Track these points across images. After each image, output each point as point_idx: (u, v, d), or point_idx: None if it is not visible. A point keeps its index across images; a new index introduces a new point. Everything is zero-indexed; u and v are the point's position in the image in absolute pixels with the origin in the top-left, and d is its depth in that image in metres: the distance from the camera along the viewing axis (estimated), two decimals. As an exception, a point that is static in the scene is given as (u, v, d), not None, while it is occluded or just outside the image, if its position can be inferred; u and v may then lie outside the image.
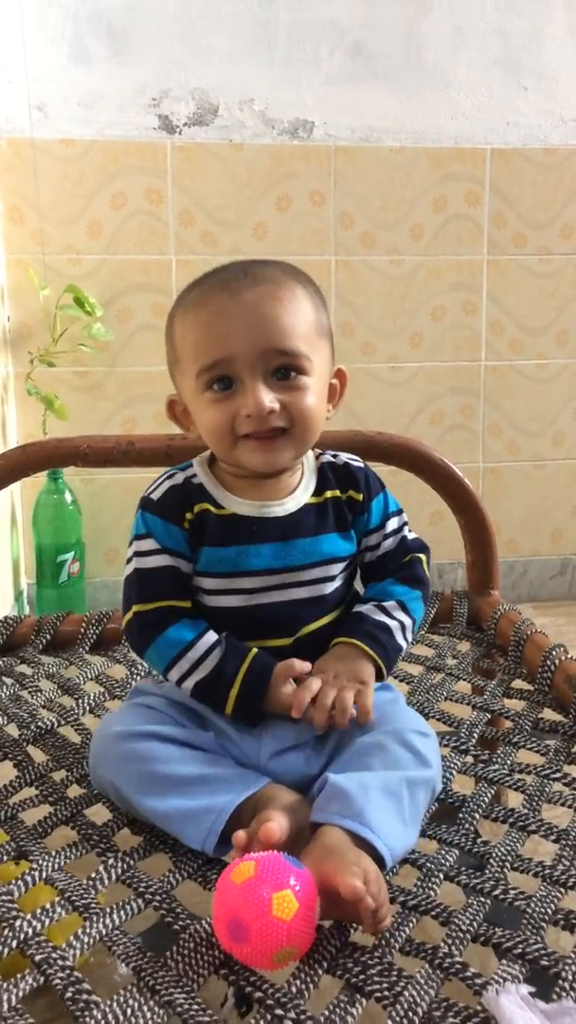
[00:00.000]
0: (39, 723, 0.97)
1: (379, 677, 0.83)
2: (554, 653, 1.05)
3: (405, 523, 0.93)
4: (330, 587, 0.86)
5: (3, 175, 1.94)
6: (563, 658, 1.05)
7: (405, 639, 0.87)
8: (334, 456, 0.90)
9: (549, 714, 1.00)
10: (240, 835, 0.67)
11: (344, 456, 0.91)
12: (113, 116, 1.97)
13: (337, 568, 0.87)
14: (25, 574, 2.09)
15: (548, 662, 1.04)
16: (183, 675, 0.80)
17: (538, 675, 1.05)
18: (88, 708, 1.03)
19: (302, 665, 0.79)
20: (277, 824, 0.66)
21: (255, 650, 0.81)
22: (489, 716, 1.01)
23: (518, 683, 1.08)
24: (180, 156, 2.01)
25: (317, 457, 0.90)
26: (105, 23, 1.94)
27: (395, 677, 1.11)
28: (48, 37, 1.93)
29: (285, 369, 0.78)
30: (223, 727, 0.82)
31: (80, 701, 1.03)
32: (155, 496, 0.84)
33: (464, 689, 1.08)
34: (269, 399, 0.77)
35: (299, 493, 0.86)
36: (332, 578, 0.86)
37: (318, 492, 0.87)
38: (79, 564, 2.02)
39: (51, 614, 1.22)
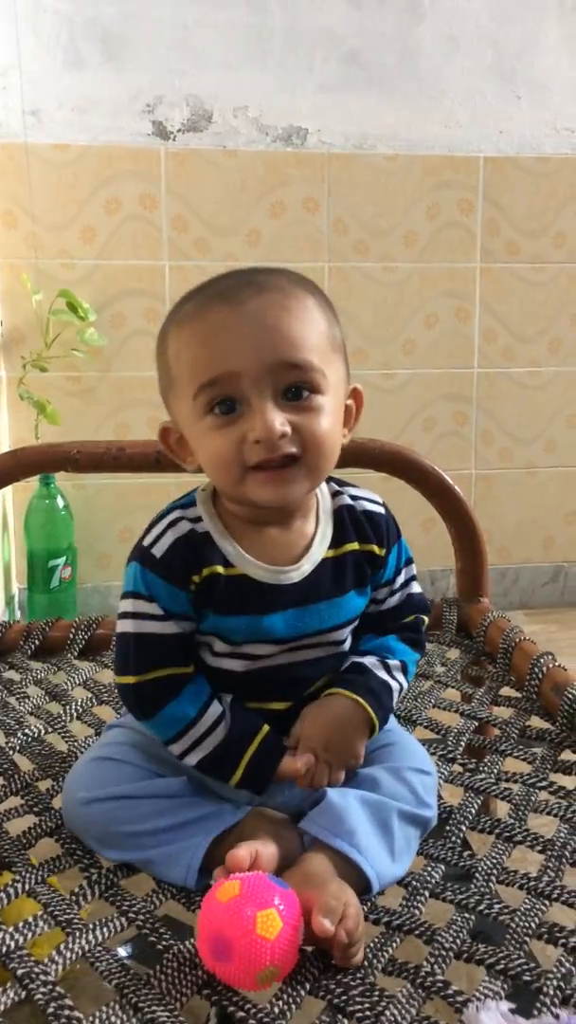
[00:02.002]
0: (26, 730, 0.96)
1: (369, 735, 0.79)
2: (542, 661, 1.05)
3: (413, 576, 0.86)
4: (341, 648, 0.81)
5: (-3, 180, 1.94)
6: (550, 666, 1.05)
7: (395, 703, 0.82)
8: (352, 499, 0.82)
9: (536, 722, 1.00)
10: (219, 872, 0.66)
11: (364, 500, 0.82)
12: (107, 122, 1.97)
13: (352, 627, 0.82)
14: (16, 579, 2.08)
15: (536, 670, 1.04)
16: (185, 751, 0.75)
17: (526, 683, 1.05)
18: (76, 715, 1.03)
19: (306, 763, 0.74)
20: (245, 851, 0.65)
21: (265, 729, 0.75)
22: (477, 724, 1.01)
23: (506, 690, 1.08)
24: (174, 162, 2.01)
25: (333, 496, 0.82)
26: (100, 29, 1.94)
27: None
28: (43, 43, 1.93)
29: (297, 388, 0.70)
30: None
31: (68, 707, 1.03)
32: (158, 552, 0.74)
33: (452, 696, 1.08)
34: (280, 420, 0.68)
35: (315, 550, 0.78)
36: (345, 639, 0.81)
37: (335, 543, 0.79)
38: (71, 569, 2.02)
39: (40, 619, 1.22)
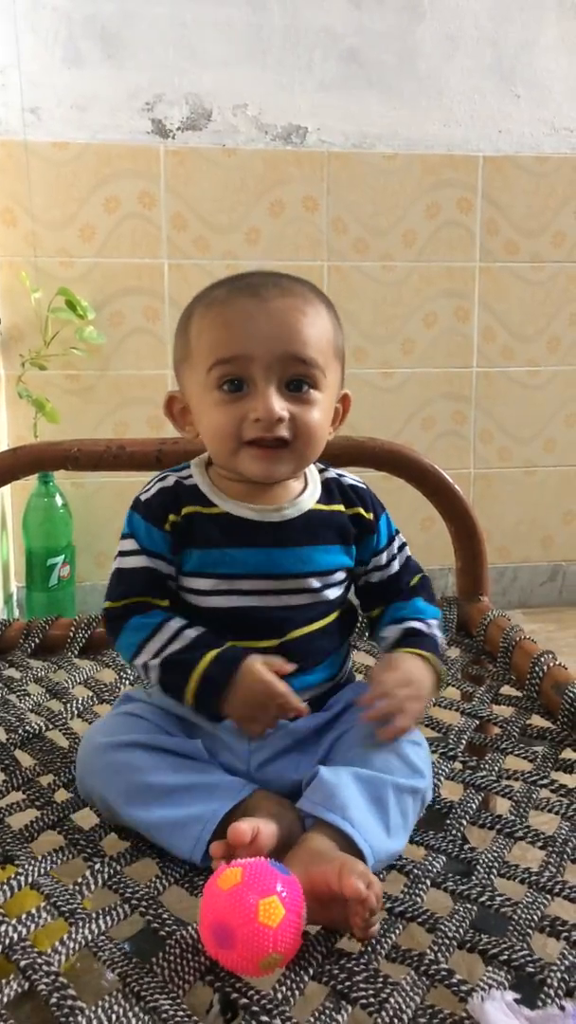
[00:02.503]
0: (27, 727, 0.96)
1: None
2: (542, 659, 1.05)
3: (405, 543, 0.93)
4: (325, 595, 0.85)
5: (-4, 178, 1.94)
6: (551, 664, 1.05)
7: None
8: (337, 475, 0.90)
9: (537, 720, 1.00)
10: (216, 846, 0.67)
11: (348, 477, 0.91)
12: (106, 120, 1.97)
13: (334, 578, 0.86)
14: (15, 577, 2.08)
15: (536, 668, 1.04)
16: (149, 658, 0.79)
17: (526, 681, 1.05)
18: (76, 712, 1.02)
19: (281, 665, 0.76)
20: (247, 825, 0.66)
21: (230, 643, 0.79)
22: (478, 722, 1.01)
23: (507, 689, 1.08)
24: (173, 160, 2.01)
25: (321, 472, 0.90)
26: (99, 26, 1.94)
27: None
28: (42, 40, 1.93)
29: (299, 381, 0.78)
30: (213, 733, 0.81)
31: (68, 705, 1.03)
32: (143, 497, 0.85)
33: (453, 695, 1.08)
34: (280, 406, 0.77)
35: (304, 499, 0.85)
36: (328, 587, 0.85)
37: (324, 502, 0.87)
38: (69, 568, 2.02)
39: (40, 618, 1.21)
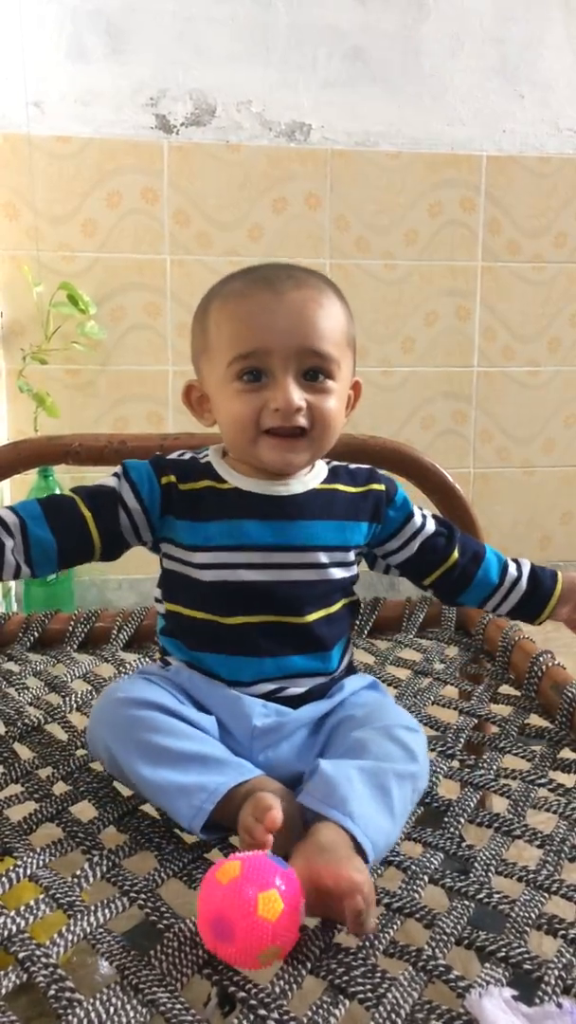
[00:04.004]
0: (25, 720, 0.96)
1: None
2: (541, 659, 1.05)
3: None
4: (331, 574, 0.86)
5: (-1, 171, 1.94)
6: (549, 664, 1.05)
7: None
8: (345, 464, 0.93)
9: (535, 720, 1.01)
10: (249, 815, 0.68)
11: (353, 465, 0.93)
12: (110, 114, 1.97)
13: (342, 557, 0.87)
14: (13, 571, 2.08)
15: (535, 668, 1.05)
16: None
17: (525, 681, 1.05)
18: (75, 706, 1.02)
19: None
20: (278, 812, 0.67)
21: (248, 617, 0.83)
22: (476, 721, 1.01)
23: (505, 688, 1.08)
24: (177, 156, 2.01)
25: (328, 462, 0.92)
26: (104, 21, 1.94)
27: (383, 681, 1.11)
28: (46, 34, 1.92)
29: (315, 371, 0.80)
30: (218, 716, 0.82)
31: (67, 699, 1.03)
32: (158, 454, 0.89)
33: (451, 694, 1.08)
34: (298, 396, 0.79)
35: (308, 479, 0.87)
36: (335, 565, 0.86)
37: (329, 481, 0.89)
38: (68, 562, 2.02)
39: (39, 612, 1.21)
